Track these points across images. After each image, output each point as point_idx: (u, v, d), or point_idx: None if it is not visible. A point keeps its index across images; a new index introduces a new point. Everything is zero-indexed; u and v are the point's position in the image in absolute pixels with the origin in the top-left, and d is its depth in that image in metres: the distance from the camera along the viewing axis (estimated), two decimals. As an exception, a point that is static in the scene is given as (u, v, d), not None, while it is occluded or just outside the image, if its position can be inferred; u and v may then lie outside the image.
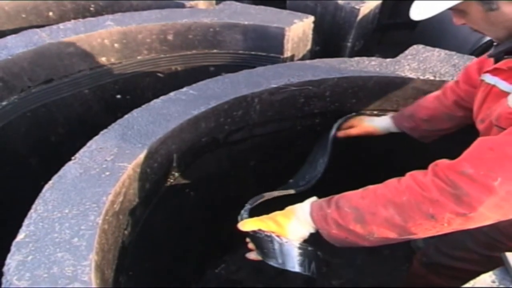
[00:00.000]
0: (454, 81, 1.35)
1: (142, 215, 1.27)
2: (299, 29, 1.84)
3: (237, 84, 1.44)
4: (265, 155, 1.42)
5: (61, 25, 1.71)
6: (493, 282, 0.87)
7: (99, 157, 1.14)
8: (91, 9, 2.06)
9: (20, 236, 0.94)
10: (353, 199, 0.95)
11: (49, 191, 1.04)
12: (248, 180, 1.21)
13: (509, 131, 0.82)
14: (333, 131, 1.48)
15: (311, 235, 1.01)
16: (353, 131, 1.48)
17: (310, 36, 1.97)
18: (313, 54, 2.13)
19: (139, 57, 1.81)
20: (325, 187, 1.23)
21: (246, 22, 1.80)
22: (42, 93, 1.67)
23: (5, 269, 0.87)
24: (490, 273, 0.89)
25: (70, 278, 0.85)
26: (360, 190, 0.97)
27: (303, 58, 1.96)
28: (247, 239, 1.07)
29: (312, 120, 1.59)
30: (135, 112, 1.29)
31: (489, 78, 1.02)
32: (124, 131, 1.22)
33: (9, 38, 1.62)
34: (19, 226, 0.96)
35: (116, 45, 1.74)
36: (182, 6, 1.98)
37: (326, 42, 2.27)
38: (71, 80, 1.72)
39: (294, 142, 1.46)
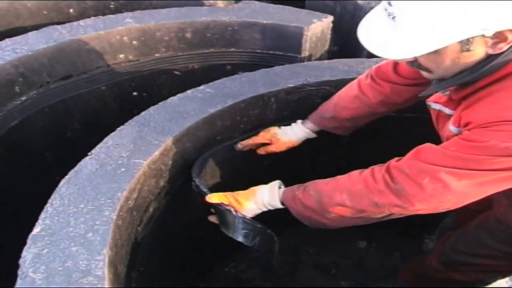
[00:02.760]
0: (367, 80, 1.33)
1: (155, 212, 1.29)
2: (317, 29, 1.84)
3: (254, 83, 1.44)
4: (280, 155, 1.42)
5: (81, 22, 1.74)
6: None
7: (115, 153, 1.15)
8: (111, 6, 2.09)
9: (36, 229, 0.96)
10: (319, 184, 1.14)
11: (65, 185, 1.06)
12: (261, 179, 1.21)
13: (442, 145, 0.98)
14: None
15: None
16: (273, 149, 1.42)
17: (328, 36, 1.96)
18: (331, 54, 2.12)
19: (156, 55, 1.83)
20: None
21: (264, 21, 1.80)
22: (61, 89, 1.70)
23: (21, 261, 0.89)
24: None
25: (84, 272, 0.87)
26: (330, 179, 1.15)
27: (321, 58, 1.95)
28: (212, 210, 1.26)
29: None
30: (152, 109, 1.30)
31: (434, 105, 1.14)
32: (140, 128, 1.23)
33: (30, 34, 1.65)
34: (32, 219, 0.98)
35: (134, 42, 1.76)
36: (201, 4, 2.00)
37: (345, 42, 2.25)
38: (89, 77, 1.75)
39: (310, 142, 1.45)
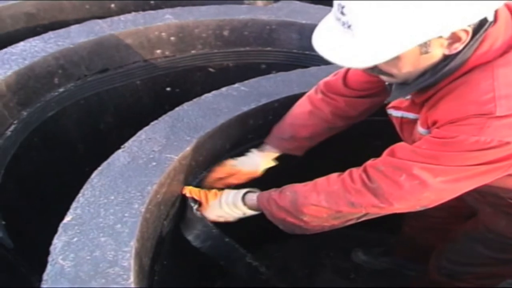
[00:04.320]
0: (317, 95, 1.29)
1: (182, 207, 1.30)
2: (358, 31, 1.80)
3: (289, 83, 1.43)
4: (308, 155, 1.40)
5: (121, 17, 1.79)
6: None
7: (148, 147, 1.17)
8: (151, 2, 2.14)
9: (67, 218, 0.99)
10: (296, 186, 1.14)
11: (97, 177, 1.09)
12: (289, 178, 1.20)
13: (414, 144, 0.98)
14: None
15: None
16: (233, 180, 1.33)
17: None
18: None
19: (193, 51, 1.85)
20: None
21: (303, 21, 1.80)
22: (97, 82, 1.75)
23: (51, 248, 0.92)
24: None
25: (111, 262, 0.89)
26: (309, 181, 1.15)
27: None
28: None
29: (361, 122, 1.54)
30: (186, 105, 1.32)
31: (395, 113, 1.12)
32: (173, 123, 1.25)
33: (72, 27, 1.71)
34: (62, 207, 1.01)
35: (172, 38, 1.80)
36: (241, 3, 2.01)
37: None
38: (125, 71, 1.79)
39: (341, 144, 1.42)
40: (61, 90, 1.66)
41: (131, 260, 0.90)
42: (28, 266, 1.36)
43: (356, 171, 1.05)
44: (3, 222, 1.25)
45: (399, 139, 1.13)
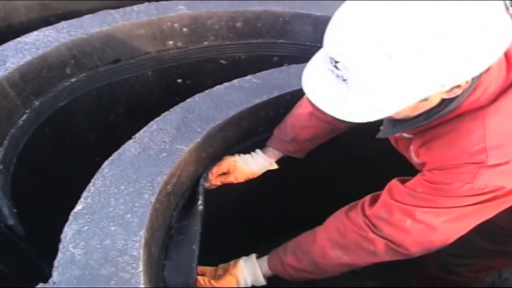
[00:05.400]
0: None
1: (191, 199, 1.31)
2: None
3: (301, 76, 1.43)
4: (319, 148, 1.39)
5: (134, 7, 1.79)
6: None
7: (159, 138, 1.19)
8: (165, -8, 2.15)
9: (78, 207, 1.01)
10: (304, 245, 1.13)
11: (108, 167, 1.10)
12: (300, 174, 1.21)
13: (409, 186, 0.98)
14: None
15: None
16: (231, 179, 1.32)
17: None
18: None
19: (205, 43, 1.86)
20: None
21: (318, 13, 1.79)
22: (109, 72, 1.77)
23: (62, 236, 0.94)
24: None
25: (121, 251, 0.91)
26: (309, 232, 1.15)
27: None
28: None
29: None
30: (197, 97, 1.33)
31: None
32: (185, 115, 1.26)
33: (85, 17, 1.72)
34: (73, 196, 1.03)
35: (184, 29, 1.80)
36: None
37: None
38: (137, 62, 1.80)
39: (352, 139, 1.42)
40: (73, 80, 1.68)
41: (141, 249, 0.91)
42: (39, 254, 1.39)
43: (355, 217, 1.05)
44: (15, 210, 1.27)
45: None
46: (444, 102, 0.86)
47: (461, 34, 0.70)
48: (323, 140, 1.36)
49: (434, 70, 0.73)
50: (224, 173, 1.32)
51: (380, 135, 1.06)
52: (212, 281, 1.17)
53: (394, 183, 1.02)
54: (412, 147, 1.02)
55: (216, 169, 1.30)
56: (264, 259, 1.21)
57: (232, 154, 1.36)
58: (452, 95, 0.82)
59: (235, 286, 1.18)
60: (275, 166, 1.37)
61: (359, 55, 0.74)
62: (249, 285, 1.19)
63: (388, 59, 0.72)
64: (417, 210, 0.94)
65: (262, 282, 1.20)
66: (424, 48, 0.70)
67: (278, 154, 1.36)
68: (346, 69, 0.77)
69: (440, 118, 0.90)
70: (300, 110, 1.31)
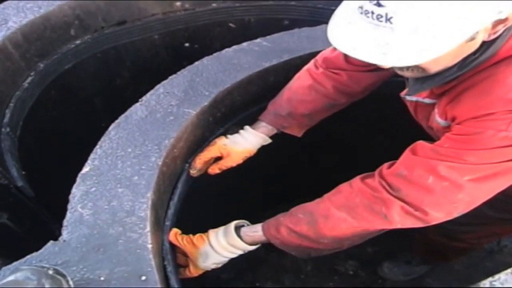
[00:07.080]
0: (318, 69, 1.23)
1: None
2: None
3: (313, 40, 1.41)
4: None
5: (140, -35, 1.75)
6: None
7: (165, 101, 1.19)
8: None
9: (86, 169, 1.03)
10: (307, 206, 1.06)
11: (114, 129, 1.12)
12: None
13: (435, 143, 0.93)
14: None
15: None
16: (229, 163, 1.25)
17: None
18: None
19: (213, 5, 1.82)
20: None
21: (331, -27, 1.74)
22: (114, 35, 1.75)
23: (70, 197, 0.97)
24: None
25: (128, 212, 0.93)
26: (317, 199, 1.07)
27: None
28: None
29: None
30: (205, 60, 1.32)
31: (409, 97, 1.08)
32: (192, 78, 1.25)
33: (89, -25, 1.70)
34: (80, 159, 1.04)
35: (192, -11, 1.77)
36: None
37: None
38: (143, 24, 1.78)
39: (361, 109, 1.40)
40: (78, 42, 1.67)
41: (148, 211, 0.93)
42: (48, 214, 1.43)
43: (371, 181, 0.98)
44: (23, 172, 1.30)
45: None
46: (483, 47, 0.82)
47: None
48: (321, 117, 1.30)
49: None
50: (217, 159, 1.26)
51: (409, 93, 1.02)
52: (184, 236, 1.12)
53: (419, 142, 0.96)
54: (436, 110, 0.99)
55: (204, 155, 1.23)
56: (259, 224, 1.12)
57: (236, 123, 1.34)
58: (492, 36, 0.79)
59: (201, 243, 1.10)
60: (268, 141, 1.30)
61: None
62: (224, 244, 1.09)
63: None
64: (441, 165, 0.88)
65: (241, 244, 1.09)
66: None
67: (271, 130, 1.29)
68: (393, 3, 0.72)
69: (473, 69, 0.86)
70: (299, 82, 1.26)
